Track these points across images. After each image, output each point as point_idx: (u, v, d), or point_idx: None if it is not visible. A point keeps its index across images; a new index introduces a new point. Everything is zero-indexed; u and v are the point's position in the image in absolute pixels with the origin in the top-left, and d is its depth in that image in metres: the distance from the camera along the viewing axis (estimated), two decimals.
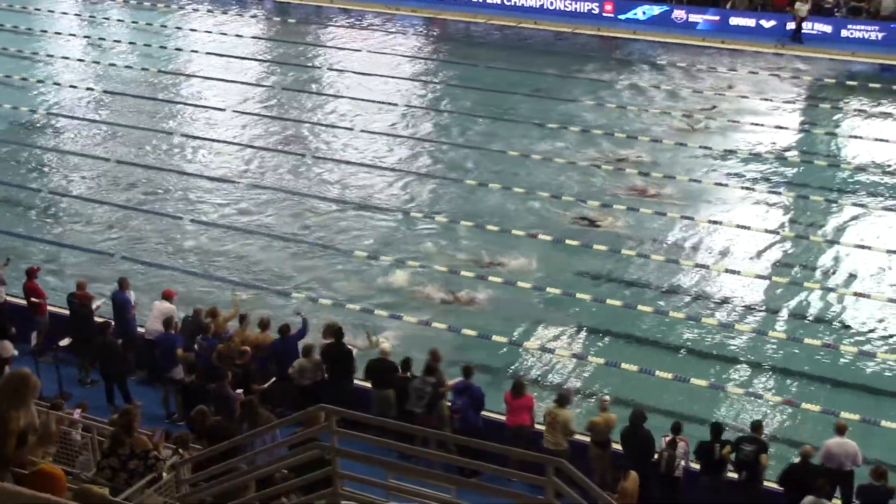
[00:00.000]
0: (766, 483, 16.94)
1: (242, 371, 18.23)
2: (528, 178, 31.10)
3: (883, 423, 19.52)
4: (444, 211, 29.10)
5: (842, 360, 22.17)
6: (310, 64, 43.64)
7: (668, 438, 16.94)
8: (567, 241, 26.98)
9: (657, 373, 21.41)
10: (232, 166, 32.40)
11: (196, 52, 44.74)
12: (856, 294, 24.44)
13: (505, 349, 22.47)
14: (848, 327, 23.38)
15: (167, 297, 20.83)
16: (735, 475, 16.79)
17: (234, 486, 12.47)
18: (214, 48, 45.00)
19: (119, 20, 50.05)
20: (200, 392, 17.63)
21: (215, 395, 17.28)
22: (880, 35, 44.27)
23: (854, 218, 28.46)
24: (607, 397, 18.18)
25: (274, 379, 19.06)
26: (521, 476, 12.34)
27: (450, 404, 18.25)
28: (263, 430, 14.12)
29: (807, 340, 22.64)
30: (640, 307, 23.86)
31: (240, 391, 17.72)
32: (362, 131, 35.09)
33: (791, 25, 44.61)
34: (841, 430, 16.77)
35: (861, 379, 21.55)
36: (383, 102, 37.88)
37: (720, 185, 30.46)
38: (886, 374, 21.74)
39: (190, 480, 12.91)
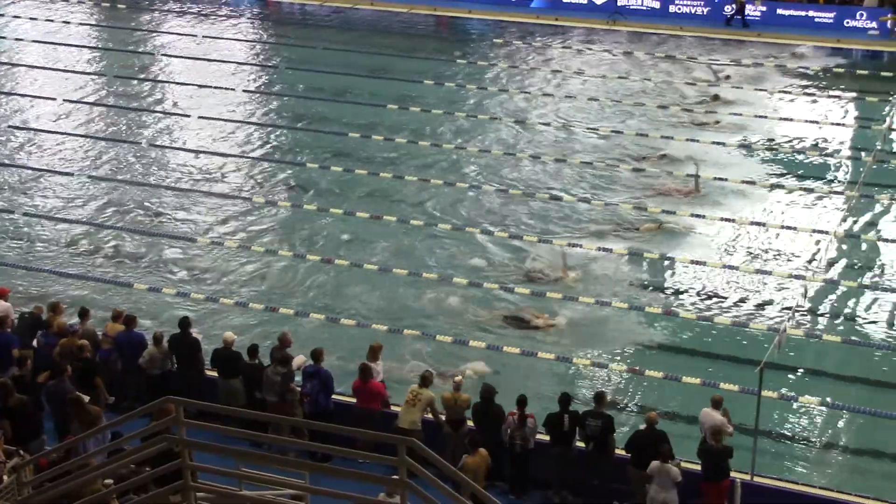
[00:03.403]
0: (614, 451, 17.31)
1: (83, 365, 17.75)
2: (367, 158, 31.12)
3: (721, 385, 20.13)
4: (287, 195, 28.92)
5: (682, 326, 22.78)
6: (142, 50, 42.67)
7: (516, 416, 17.10)
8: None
9: (504, 348, 21.65)
10: (66, 157, 31.43)
11: (21, 40, 43.26)
12: (692, 262, 25.14)
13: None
14: (686, 294, 24.04)
15: (1, 294, 20.10)
16: (583, 444, 17.11)
17: (79, 485, 12.19)
18: (40, 36, 43.59)
19: None
20: (33, 388, 17.08)
21: (50, 392, 16.81)
22: (706, 10, 45.60)
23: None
24: (460, 377, 18.29)
25: None
26: (373, 458, 12.37)
27: (300, 388, 18.12)
28: (94, 432, 13.96)
29: (647, 309, 23.20)
30: (486, 285, 24.07)
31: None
32: (200, 117, 34.49)
33: (728, 10, 45.02)
34: (715, 402, 17.11)
35: (700, 345, 22.18)
36: (219, 87, 37.30)
37: (559, 160, 30.95)
38: (724, 338, 22.43)
39: (33, 482, 12.55)
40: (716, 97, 35.72)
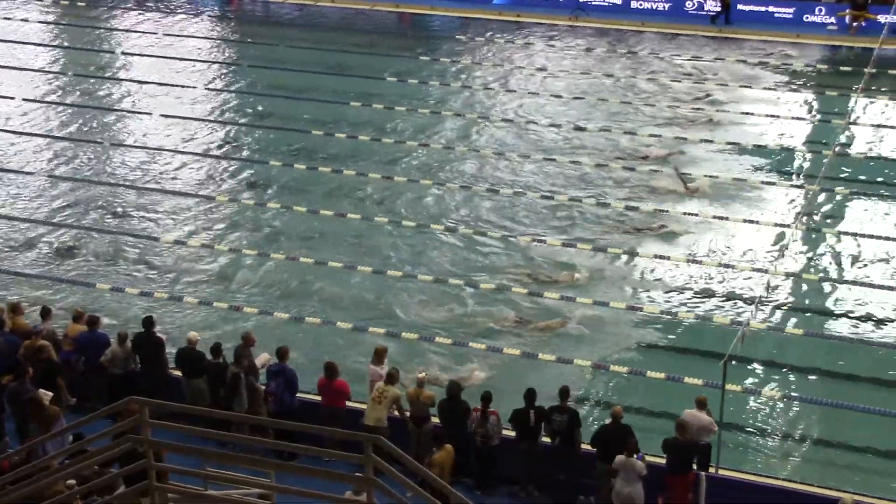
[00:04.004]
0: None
1: (45, 366, 17.63)
2: (330, 155, 31.10)
3: (686, 379, 20.26)
4: (251, 193, 28.83)
5: (647, 321, 22.85)
6: (103, 48, 42.35)
7: (478, 412, 17.15)
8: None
9: (470, 344, 21.67)
10: (25, 157, 31.12)
11: None
12: (656, 256, 25.23)
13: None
14: (653, 290, 24.11)
15: None
16: (549, 439, 17.17)
17: (41, 488, 12.11)
18: None
19: None
20: None
21: (11, 393, 16.69)
22: (667, 6, 45.69)
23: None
24: (423, 373, 18.29)
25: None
26: (340, 455, 12.36)
27: (264, 387, 18.07)
28: (55, 434, 13.88)
29: (612, 304, 23.26)
30: (451, 281, 24.09)
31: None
32: (161, 115, 34.27)
33: (715, 7, 44.75)
34: (699, 403, 17.18)
35: (665, 340, 22.27)
36: (181, 85, 37.05)
37: (523, 156, 31.00)
38: (688, 333, 22.53)
39: None
40: (707, 95, 35.74)
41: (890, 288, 24.13)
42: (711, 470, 16.80)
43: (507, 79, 38.15)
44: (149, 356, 18.80)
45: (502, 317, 22.80)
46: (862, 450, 19.18)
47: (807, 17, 44.04)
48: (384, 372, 18.21)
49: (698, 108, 34.68)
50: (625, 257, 25.33)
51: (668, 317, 22.92)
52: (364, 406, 17.69)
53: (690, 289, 24.09)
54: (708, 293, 23.91)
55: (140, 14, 46.61)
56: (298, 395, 18.12)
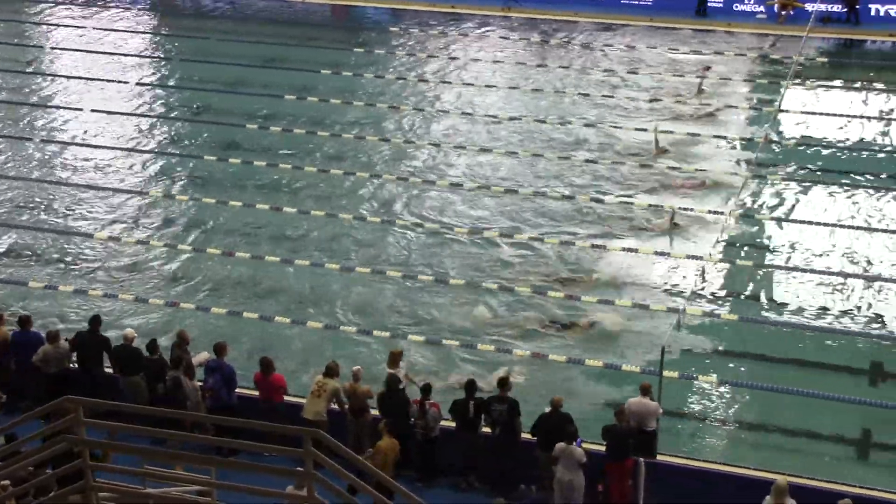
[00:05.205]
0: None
1: None
2: (265, 149, 30.93)
3: (623, 367, 20.44)
4: (185, 188, 28.59)
5: (583, 309, 22.97)
6: (30, 43, 41.66)
7: (417, 404, 17.18)
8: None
9: (410, 337, 21.69)
10: None
11: None
12: (593, 246, 25.37)
13: None
14: (582, 279, 24.24)
15: None
16: (490, 430, 17.23)
17: None
18: None
19: None
20: None
21: None
22: None
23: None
24: (358, 367, 18.25)
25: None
26: (279, 450, 12.31)
27: (201, 383, 17.96)
28: None
29: (552, 294, 23.33)
30: (389, 273, 24.09)
31: None
32: (92, 111, 33.84)
33: None
34: (643, 389, 17.24)
35: (600, 331, 22.34)
36: (112, 80, 36.59)
37: (458, 147, 31.06)
38: (626, 321, 22.65)
39: None
40: (701, 90, 35.81)
41: (822, 272, 24.52)
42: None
43: (442, 70, 38.08)
44: (92, 356, 18.56)
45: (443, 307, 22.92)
46: (795, 432, 19.49)
47: (736, 6, 44.45)
48: (401, 375, 18.09)
49: (632, 98, 34.90)
50: (559, 248, 25.41)
51: (603, 304, 23.03)
52: (302, 400, 17.65)
53: (628, 276, 24.23)
54: (646, 281, 24.06)
55: (67, 8, 45.89)
56: (237, 390, 18.01)
